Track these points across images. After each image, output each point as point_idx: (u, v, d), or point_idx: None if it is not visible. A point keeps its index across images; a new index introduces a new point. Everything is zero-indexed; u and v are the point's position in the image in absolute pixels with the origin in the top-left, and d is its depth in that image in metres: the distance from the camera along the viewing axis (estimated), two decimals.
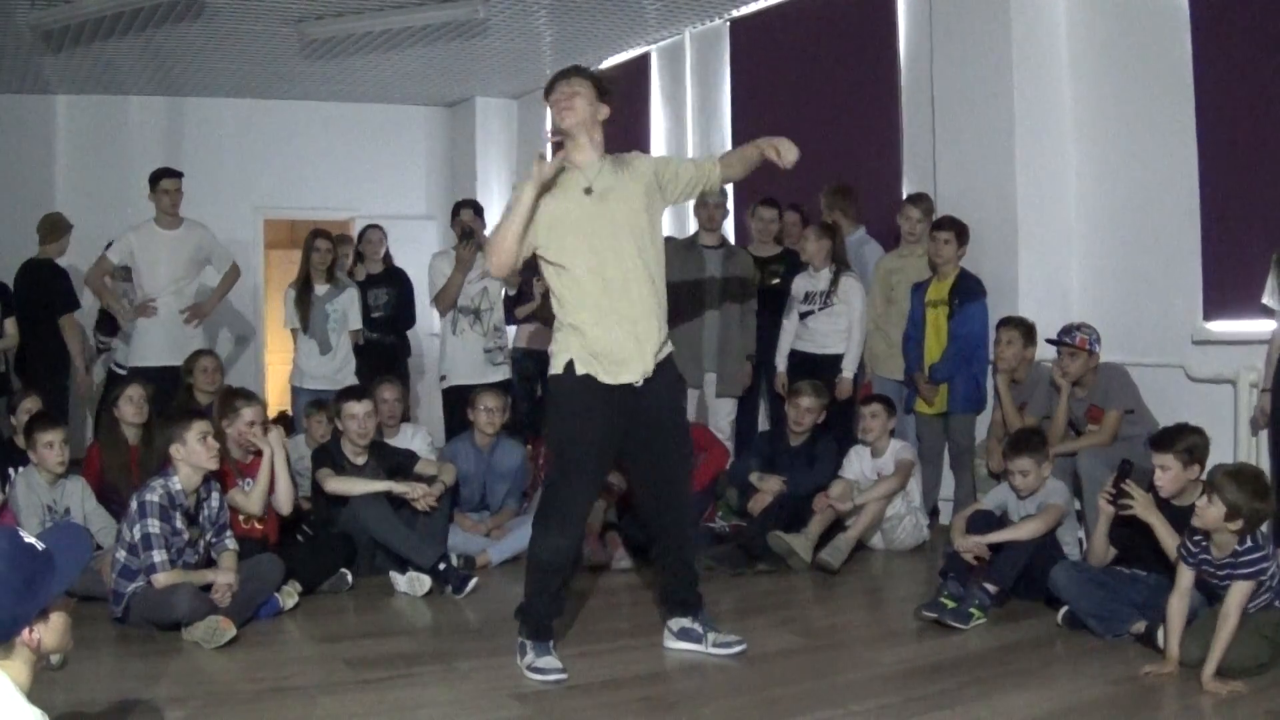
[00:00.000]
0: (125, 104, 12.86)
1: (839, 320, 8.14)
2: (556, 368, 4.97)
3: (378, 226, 10.03)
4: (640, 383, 4.91)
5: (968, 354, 7.61)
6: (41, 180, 12.30)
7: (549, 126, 5.07)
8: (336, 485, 6.77)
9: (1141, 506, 5.23)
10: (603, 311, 4.89)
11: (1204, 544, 4.76)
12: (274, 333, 12.81)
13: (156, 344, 8.69)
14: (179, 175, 8.82)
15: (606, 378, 4.89)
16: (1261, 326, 6.42)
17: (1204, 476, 5.11)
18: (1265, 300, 6.29)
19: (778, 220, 8.79)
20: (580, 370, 4.89)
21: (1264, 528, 4.81)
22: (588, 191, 4.90)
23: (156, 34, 10.48)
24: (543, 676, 4.79)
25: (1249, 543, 4.64)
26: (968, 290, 7.63)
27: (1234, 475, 4.70)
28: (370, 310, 9.46)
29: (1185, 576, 4.81)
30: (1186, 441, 5.31)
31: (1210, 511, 4.67)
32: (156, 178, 8.77)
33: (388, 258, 9.91)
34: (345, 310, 9.07)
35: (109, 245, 8.91)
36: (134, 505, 5.62)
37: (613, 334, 4.88)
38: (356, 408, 6.98)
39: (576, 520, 4.97)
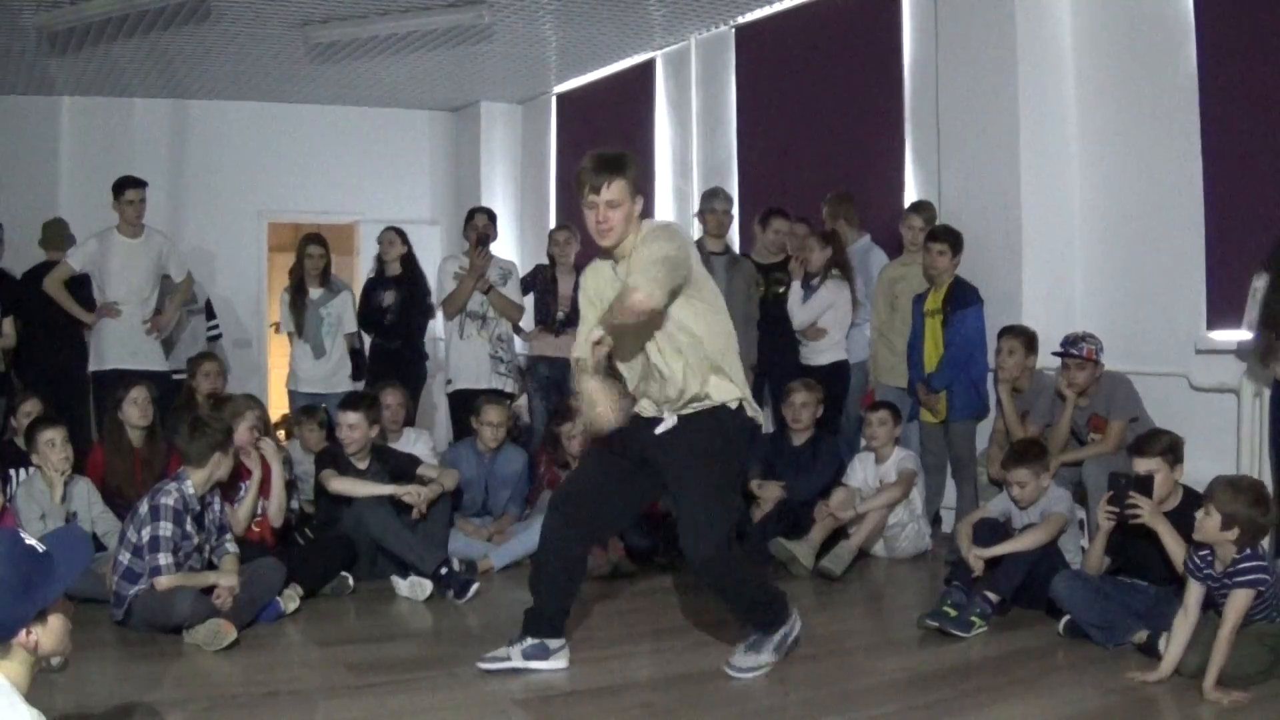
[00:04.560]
0: (130, 106, 12.84)
1: (827, 334, 8.31)
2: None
3: (391, 229, 9.86)
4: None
5: (963, 360, 7.60)
6: (46, 182, 12.30)
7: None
8: (339, 485, 6.76)
9: (1149, 514, 5.21)
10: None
11: (1209, 558, 4.74)
12: (276, 336, 12.82)
13: (117, 348, 8.65)
14: (143, 185, 8.76)
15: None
16: None
17: (1184, 483, 5.16)
18: (1245, 327, 6.32)
19: (788, 231, 8.75)
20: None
21: (1264, 542, 4.80)
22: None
23: (162, 37, 10.48)
24: None
25: (1247, 551, 4.64)
26: (960, 297, 7.63)
27: (1230, 485, 4.70)
28: (384, 313, 9.43)
29: (1194, 592, 4.77)
30: (1165, 442, 5.35)
31: (1208, 523, 4.66)
32: (121, 187, 8.69)
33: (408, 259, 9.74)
34: (339, 314, 9.08)
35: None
36: (144, 508, 5.63)
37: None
38: (347, 417, 7.01)
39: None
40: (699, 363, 4.79)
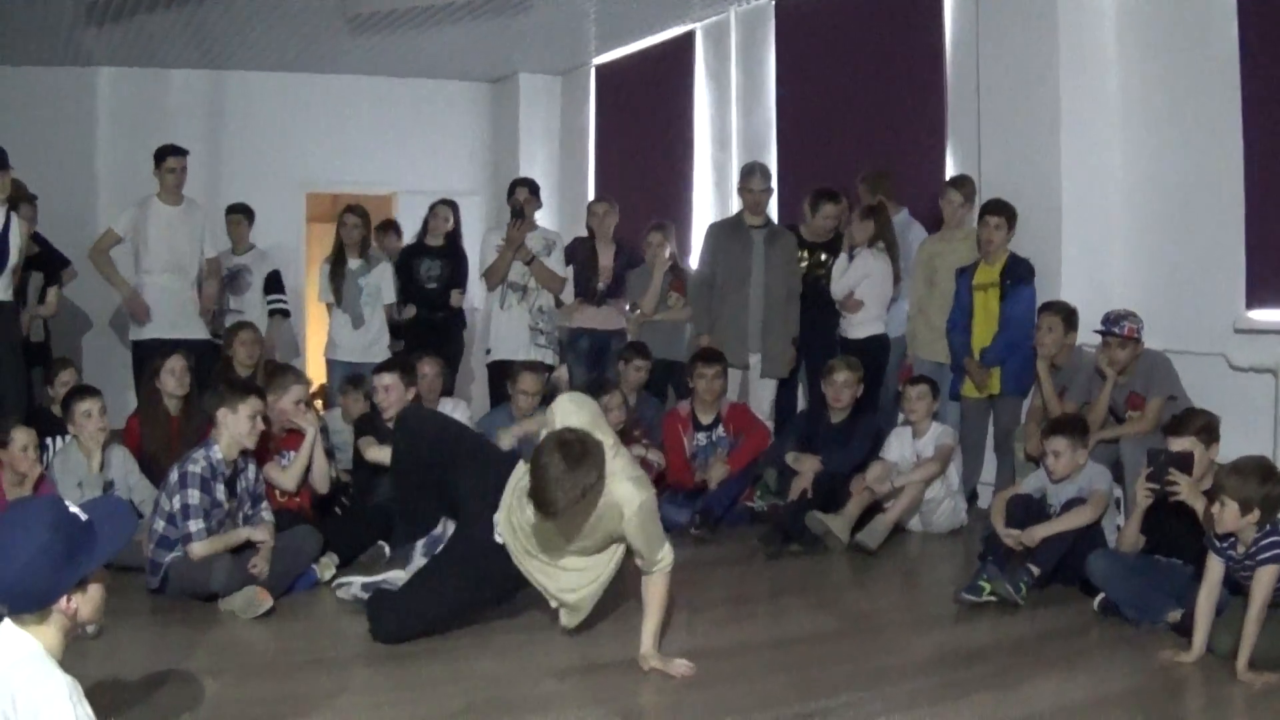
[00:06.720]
0: (167, 77, 12.88)
1: (865, 307, 8.26)
2: None
3: (446, 202, 9.87)
4: None
5: (1019, 336, 7.55)
6: (82, 153, 12.39)
7: None
8: (376, 454, 6.77)
9: (1188, 491, 5.17)
10: None
11: (1231, 539, 4.71)
12: (315, 306, 12.85)
13: (157, 318, 8.66)
14: (185, 153, 8.77)
15: None
16: None
17: (1220, 462, 5.11)
18: None
19: (836, 215, 8.64)
20: None
21: None
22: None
23: (200, 7, 10.50)
24: None
25: (1268, 528, 4.60)
26: (1019, 273, 7.60)
27: (1235, 470, 4.66)
28: (426, 281, 9.47)
29: (1215, 568, 4.76)
30: (1200, 422, 5.32)
31: (1226, 514, 4.63)
32: (162, 155, 8.70)
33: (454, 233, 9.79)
34: (378, 284, 9.10)
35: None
36: (174, 476, 5.64)
37: None
38: (381, 378, 7.09)
39: None
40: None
